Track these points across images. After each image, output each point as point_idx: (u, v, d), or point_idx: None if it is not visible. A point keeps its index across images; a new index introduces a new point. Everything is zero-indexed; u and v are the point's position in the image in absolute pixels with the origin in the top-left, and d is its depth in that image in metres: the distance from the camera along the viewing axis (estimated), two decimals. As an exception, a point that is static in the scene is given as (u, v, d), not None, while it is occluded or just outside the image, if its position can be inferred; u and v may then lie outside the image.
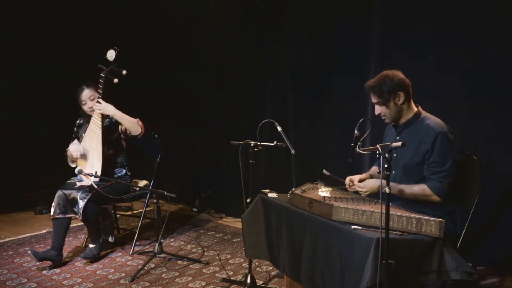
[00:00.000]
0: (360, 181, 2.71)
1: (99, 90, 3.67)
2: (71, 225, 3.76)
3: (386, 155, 2.06)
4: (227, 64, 5.00)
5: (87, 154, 3.69)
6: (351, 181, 2.72)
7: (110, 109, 3.65)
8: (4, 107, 5.09)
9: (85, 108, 3.80)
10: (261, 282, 3.26)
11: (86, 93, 3.77)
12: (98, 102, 3.66)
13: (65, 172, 3.86)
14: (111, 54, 3.63)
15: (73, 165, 3.79)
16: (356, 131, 2.57)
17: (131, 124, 3.68)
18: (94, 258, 3.63)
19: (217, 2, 5.04)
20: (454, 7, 3.33)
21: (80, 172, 3.58)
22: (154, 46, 5.64)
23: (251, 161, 3.05)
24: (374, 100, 2.60)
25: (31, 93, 5.20)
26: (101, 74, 3.63)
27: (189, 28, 5.32)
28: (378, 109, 2.61)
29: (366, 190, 2.58)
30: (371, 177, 2.79)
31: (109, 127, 3.79)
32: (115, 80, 3.60)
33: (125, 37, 5.60)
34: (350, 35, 3.94)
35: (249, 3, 4.75)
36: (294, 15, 4.35)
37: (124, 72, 3.60)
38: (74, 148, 3.68)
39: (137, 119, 3.72)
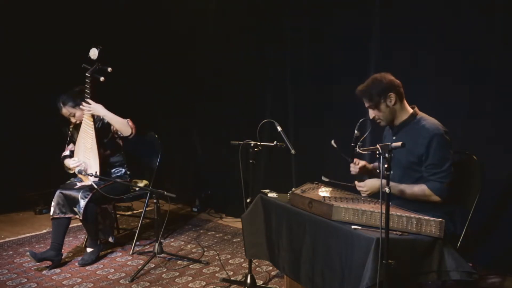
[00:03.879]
0: (365, 169, 2.72)
1: (86, 90, 3.62)
2: (71, 225, 3.77)
3: (386, 155, 2.06)
4: (227, 64, 5.00)
5: (84, 155, 3.69)
6: (356, 162, 2.72)
7: (99, 110, 3.63)
8: (4, 107, 5.09)
9: (73, 121, 3.80)
10: (261, 282, 3.26)
11: (65, 112, 3.73)
12: (87, 102, 3.62)
13: (65, 172, 3.86)
14: (93, 53, 3.59)
15: (71, 172, 3.79)
16: (356, 131, 2.57)
17: (121, 125, 3.65)
18: (92, 263, 3.63)
19: (218, 3, 5.04)
20: (454, 7, 3.33)
21: (81, 172, 3.58)
22: (154, 46, 5.64)
23: (251, 161, 3.05)
24: (366, 104, 2.60)
25: (31, 93, 5.20)
26: (87, 74, 3.59)
27: (190, 28, 5.32)
28: (372, 113, 2.61)
29: (367, 190, 2.59)
30: (371, 172, 2.78)
31: (102, 129, 3.77)
32: (101, 79, 3.57)
33: (124, 38, 5.60)
34: (350, 35, 3.94)
35: (250, 3, 4.74)
36: (295, 15, 4.35)
37: (109, 69, 3.56)
38: (73, 164, 3.66)
39: (128, 119, 3.69)
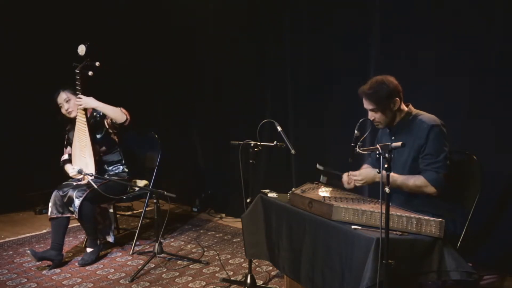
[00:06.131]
0: None
1: (77, 87, 3.65)
2: (71, 225, 3.77)
3: (386, 155, 2.06)
4: (227, 64, 5.00)
5: (81, 155, 3.69)
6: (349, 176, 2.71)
7: (91, 102, 3.65)
8: (4, 107, 5.09)
9: (63, 111, 3.80)
10: (261, 282, 3.26)
11: (62, 96, 3.76)
12: (78, 97, 3.65)
13: (65, 172, 3.86)
14: (81, 49, 3.64)
15: (71, 174, 3.80)
16: (356, 131, 2.57)
17: (115, 113, 3.67)
18: (91, 263, 3.63)
19: (218, 3, 5.04)
20: (454, 7, 3.33)
21: (80, 172, 3.58)
22: (153, 46, 5.64)
23: (251, 161, 3.05)
24: (369, 106, 2.58)
25: (31, 93, 5.20)
26: (76, 71, 3.64)
27: (189, 28, 5.32)
28: (372, 115, 2.60)
29: (362, 179, 2.58)
30: None
31: (95, 124, 3.79)
32: (90, 73, 3.62)
33: (125, 38, 5.60)
34: (350, 35, 3.94)
35: (250, 3, 4.74)
36: (294, 15, 4.35)
37: (97, 63, 3.61)
38: (73, 173, 3.67)
39: (120, 107, 3.71)
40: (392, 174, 2.47)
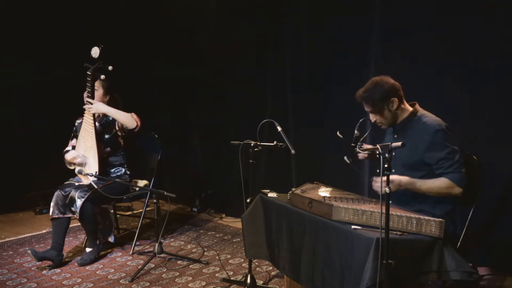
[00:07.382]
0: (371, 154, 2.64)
1: (88, 89, 3.63)
2: (71, 225, 3.77)
3: (386, 155, 2.06)
4: (226, 64, 5.00)
5: (84, 155, 3.69)
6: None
7: (101, 107, 3.64)
8: (4, 107, 5.09)
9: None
10: (261, 282, 3.26)
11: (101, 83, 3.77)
12: (88, 102, 3.64)
13: (65, 172, 3.86)
14: (95, 51, 3.60)
15: (71, 167, 3.79)
16: (356, 131, 2.57)
17: (125, 119, 3.65)
18: (90, 263, 3.63)
19: (218, 3, 5.04)
20: (454, 7, 3.33)
21: (80, 172, 3.59)
22: (153, 45, 5.64)
23: (251, 161, 3.05)
24: (368, 109, 2.59)
25: (31, 93, 5.20)
26: (88, 73, 3.60)
27: (189, 28, 5.32)
28: (373, 117, 2.61)
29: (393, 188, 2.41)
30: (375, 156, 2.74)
31: (106, 125, 3.79)
32: (102, 77, 3.60)
33: (124, 37, 5.60)
34: (350, 35, 3.94)
35: (250, 3, 4.75)
36: (294, 15, 4.35)
37: (110, 68, 3.57)
38: (72, 155, 3.66)
39: (132, 113, 3.70)
40: (415, 180, 2.45)
